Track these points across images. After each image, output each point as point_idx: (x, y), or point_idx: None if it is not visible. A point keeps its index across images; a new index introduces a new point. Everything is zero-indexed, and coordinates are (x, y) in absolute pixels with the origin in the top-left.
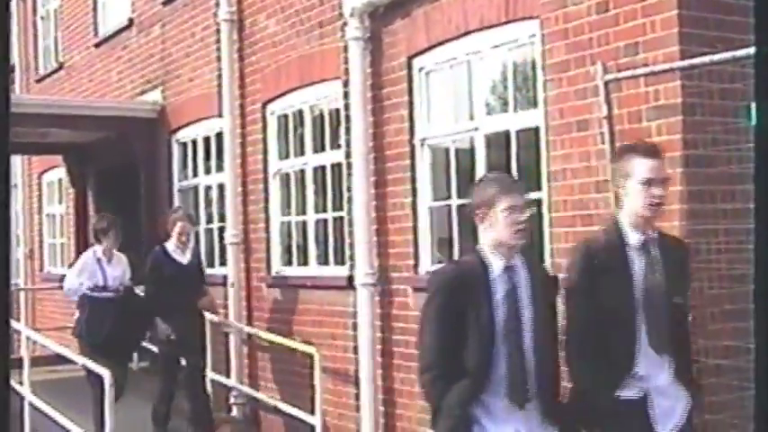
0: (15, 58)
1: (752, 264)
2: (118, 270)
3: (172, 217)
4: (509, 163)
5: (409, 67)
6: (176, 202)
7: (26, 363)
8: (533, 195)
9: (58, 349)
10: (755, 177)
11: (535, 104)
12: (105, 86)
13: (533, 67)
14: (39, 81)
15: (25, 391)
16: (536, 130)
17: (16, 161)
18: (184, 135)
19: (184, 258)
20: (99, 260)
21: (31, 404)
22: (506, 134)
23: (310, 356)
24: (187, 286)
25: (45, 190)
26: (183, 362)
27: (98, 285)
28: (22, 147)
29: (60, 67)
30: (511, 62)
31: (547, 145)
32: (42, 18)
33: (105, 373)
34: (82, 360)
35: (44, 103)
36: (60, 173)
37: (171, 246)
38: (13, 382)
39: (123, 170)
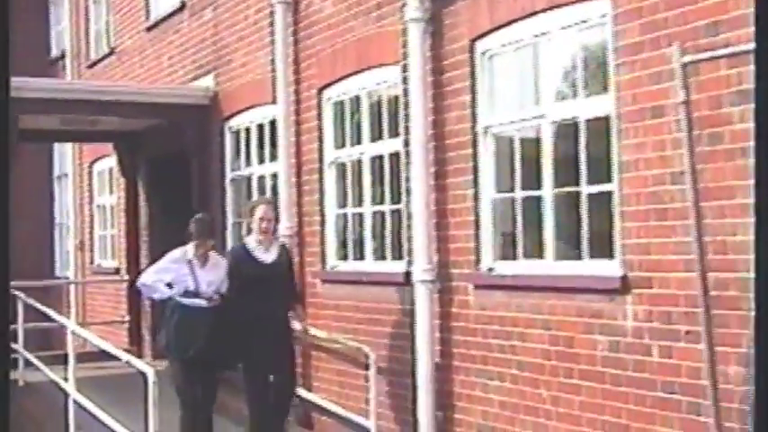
0: (67, 43)
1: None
2: (213, 275)
3: (250, 203)
4: (578, 152)
5: (472, 51)
6: (228, 193)
7: (71, 359)
8: (603, 187)
9: (102, 345)
10: (756, 177)
11: (606, 90)
12: (157, 72)
13: (604, 50)
14: (90, 67)
15: (70, 387)
16: (607, 117)
17: (67, 150)
18: (237, 123)
19: (269, 256)
20: (190, 262)
21: (75, 401)
22: (575, 121)
23: (366, 356)
24: (271, 291)
25: (96, 180)
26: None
27: (189, 291)
28: (71, 134)
29: (111, 52)
30: (580, 44)
31: (618, 133)
32: (94, 2)
33: (148, 371)
34: (126, 356)
35: (93, 89)
36: (111, 162)
37: (252, 241)
38: (58, 379)
39: (175, 159)
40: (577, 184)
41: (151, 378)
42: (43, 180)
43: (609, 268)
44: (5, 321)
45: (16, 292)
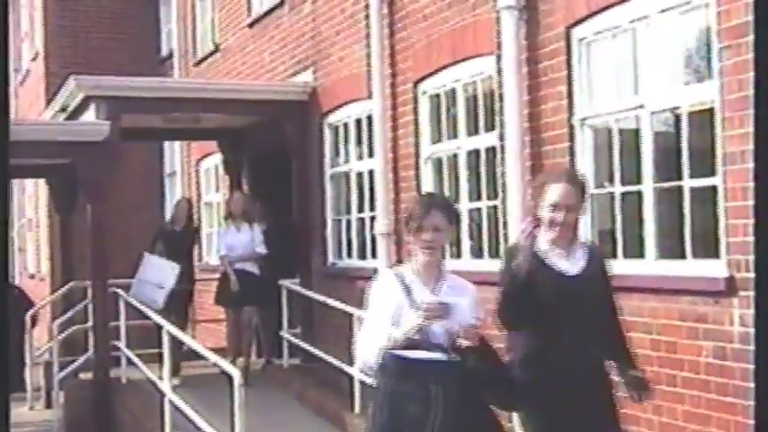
0: (174, 42)
1: None
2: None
3: (538, 179)
4: (679, 144)
5: (568, 38)
6: (328, 189)
7: (167, 358)
8: (707, 182)
9: (192, 345)
10: (755, 177)
11: (709, 76)
12: (258, 68)
13: (707, 33)
14: (196, 65)
15: (165, 387)
16: (710, 105)
17: (176, 148)
18: (336, 118)
19: (572, 264)
20: (408, 289)
21: (170, 401)
22: (676, 111)
23: None
24: (578, 322)
25: (203, 177)
26: None
27: (410, 338)
28: (174, 133)
29: (216, 49)
30: (682, 28)
31: (722, 123)
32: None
33: (234, 373)
34: (213, 357)
35: (193, 86)
36: (216, 159)
37: (543, 242)
38: (155, 377)
39: (276, 156)
40: (679, 178)
41: (237, 381)
42: (154, 178)
43: (714, 268)
44: (5, 320)
45: (117, 290)
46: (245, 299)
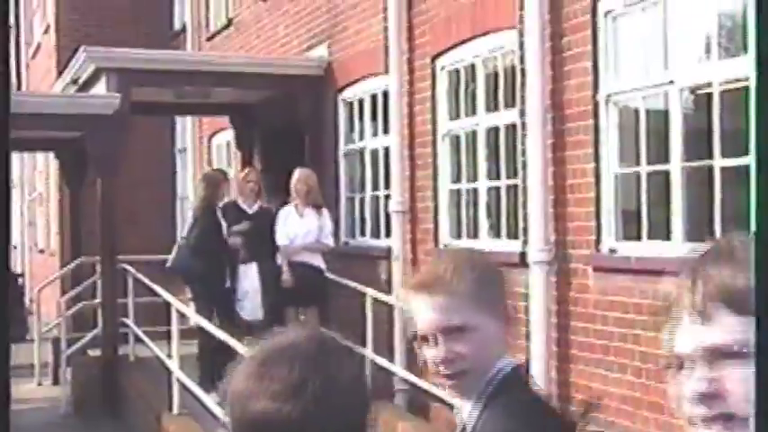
0: (187, 16)
1: None
2: None
3: None
4: (711, 121)
5: (594, 11)
6: (342, 167)
7: (175, 335)
8: (740, 161)
9: (199, 321)
10: (756, 177)
11: (745, 50)
12: (272, 43)
13: (743, 5)
14: (209, 39)
15: (173, 365)
16: (745, 81)
17: (186, 123)
18: (351, 94)
19: None
20: None
21: (178, 380)
22: (708, 87)
23: None
24: None
25: (214, 153)
26: None
27: None
28: (185, 108)
29: (229, 23)
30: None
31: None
32: None
33: (240, 349)
34: (222, 335)
35: (205, 60)
36: (228, 135)
37: None
38: (163, 356)
39: (289, 132)
40: (710, 157)
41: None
42: (166, 153)
43: None
44: (4, 312)
45: (125, 266)
46: (300, 298)
